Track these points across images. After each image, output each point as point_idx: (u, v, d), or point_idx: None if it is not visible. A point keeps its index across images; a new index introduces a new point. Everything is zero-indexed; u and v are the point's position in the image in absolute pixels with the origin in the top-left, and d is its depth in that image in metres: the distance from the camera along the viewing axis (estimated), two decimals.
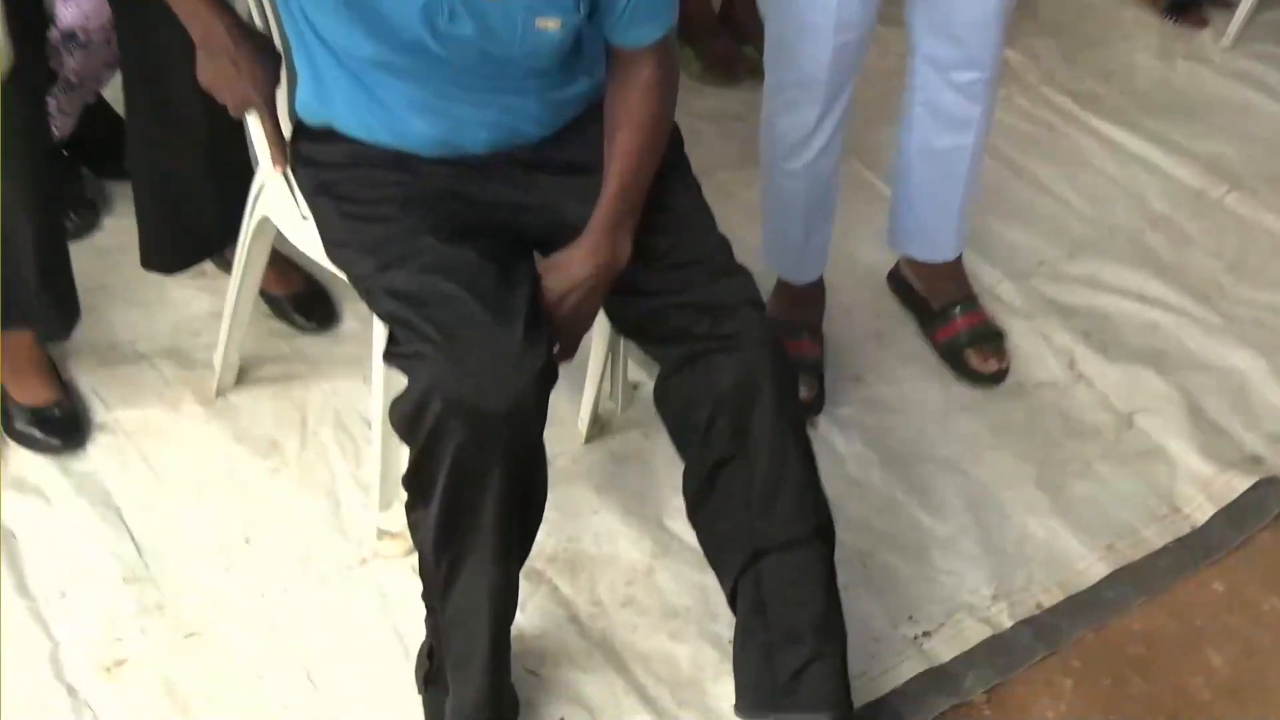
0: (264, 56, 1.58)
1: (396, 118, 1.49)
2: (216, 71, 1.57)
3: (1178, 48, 3.08)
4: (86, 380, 1.96)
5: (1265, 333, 2.26)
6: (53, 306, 1.89)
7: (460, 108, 1.50)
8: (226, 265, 2.00)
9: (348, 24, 1.40)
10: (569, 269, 1.49)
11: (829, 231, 2.09)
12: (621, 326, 1.66)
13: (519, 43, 1.43)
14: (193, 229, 2.03)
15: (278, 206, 1.69)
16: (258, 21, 1.63)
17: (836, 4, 1.78)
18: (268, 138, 1.62)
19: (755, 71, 2.56)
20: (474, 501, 1.38)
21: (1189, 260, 2.43)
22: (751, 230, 2.06)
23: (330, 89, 1.50)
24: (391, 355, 1.45)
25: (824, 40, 1.82)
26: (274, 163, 1.62)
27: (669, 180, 1.60)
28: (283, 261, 2.04)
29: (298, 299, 2.09)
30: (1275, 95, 2.92)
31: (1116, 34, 3.12)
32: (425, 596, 1.51)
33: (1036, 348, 2.19)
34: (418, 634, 1.58)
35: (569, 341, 1.51)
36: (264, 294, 2.04)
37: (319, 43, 1.46)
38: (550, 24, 1.43)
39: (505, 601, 1.47)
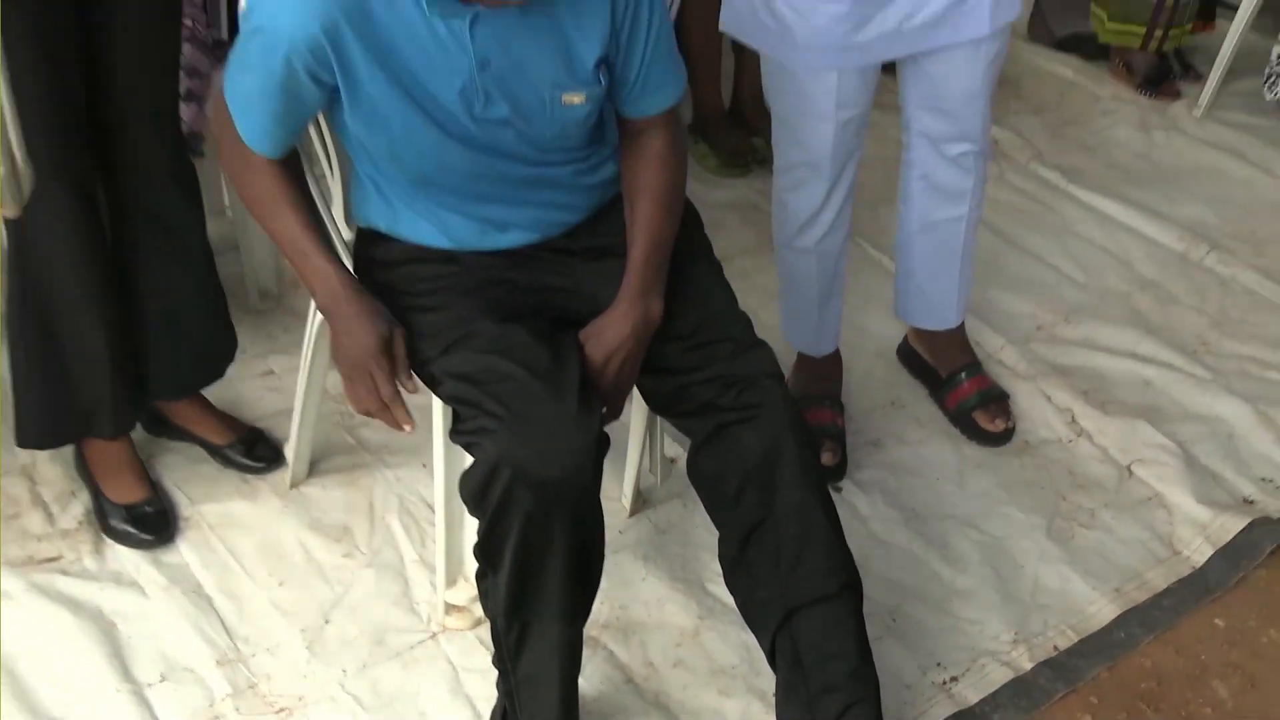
0: (377, 314, 1.50)
1: (447, 222, 1.54)
2: (365, 394, 1.50)
3: (1154, 120, 3.12)
4: (172, 477, 2.00)
5: (1250, 383, 2.29)
6: (127, 402, 1.90)
7: (503, 208, 1.55)
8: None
9: (400, 136, 1.44)
10: (608, 335, 1.51)
11: (840, 306, 2.12)
12: (653, 403, 1.69)
13: (549, 119, 1.47)
14: (210, 352, 2.03)
15: None
16: (317, 146, 1.69)
17: (836, 85, 1.81)
18: (388, 389, 1.51)
19: (764, 161, 2.66)
20: (541, 565, 1.42)
21: (1175, 319, 2.46)
22: (771, 309, 2.12)
23: (387, 199, 1.55)
24: (457, 433, 1.49)
25: (826, 120, 1.85)
26: (402, 422, 1.52)
27: (692, 263, 1.63)
28: (217, 414, 2.06)
29: (243, 444, 2.06)
30: (1246, 160, 2.96)
31: (1096, 110, 3.17)
32: (496, 660, 1.55)
33: (1039, 407, 2.22)
34: (488, 698, 1.64)
35: (615, 403, 1.54)
36: (205, 444, 2.04)
37: (372, 160, 1.52)
38: (576, 98, 1.47)
39: (573, 658, 1.51)
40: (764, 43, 1.85)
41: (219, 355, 2.03)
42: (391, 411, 1.50)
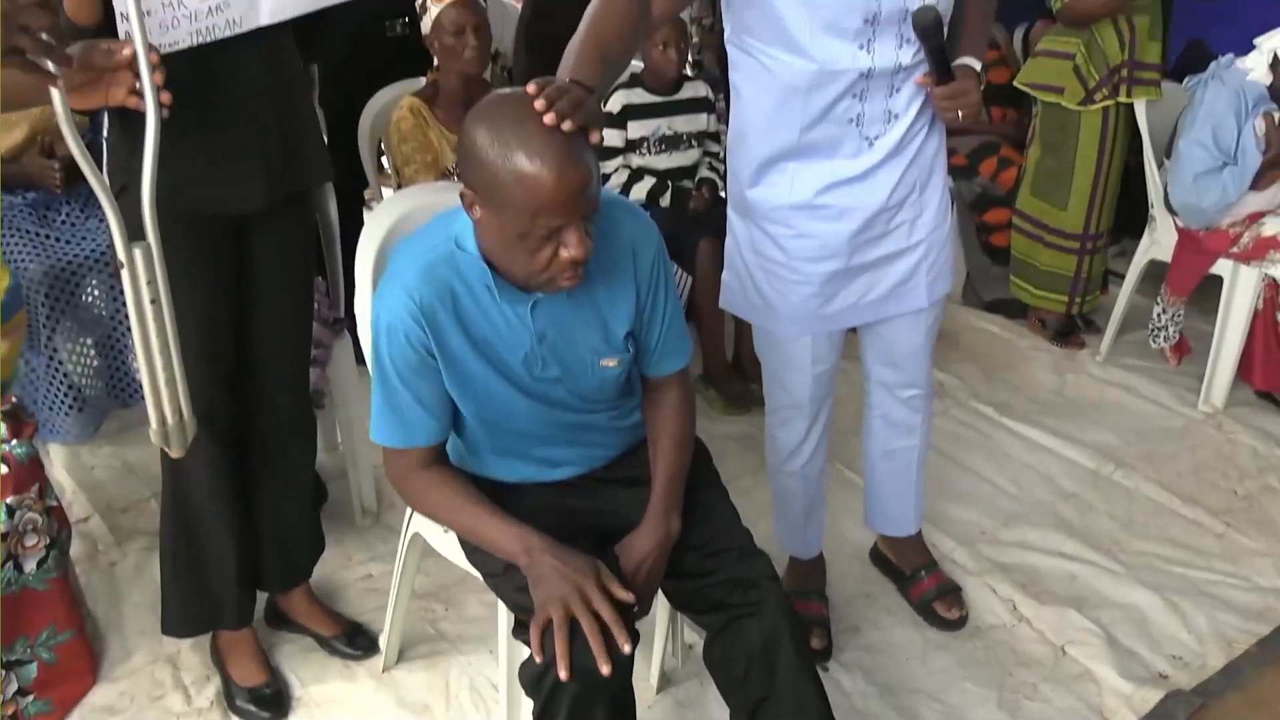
0: (572, 556, 1.44)
1: (513, 465, 1.60)
2: (562, 610, 1.40)
3: (1065, 364, 3.19)
4: (288, 664, 2.03)
5: (1156, 575, 2.30)
6: (248, 598, 1.94)
7: (556, 448, 1.60)
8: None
9: (482, 393, 1.49)
10: (638, 547, 1.53)
11: (822, 517, 2.13)
12: (674, 601, 1.68)
13: (590, 378, 1.52)
14: (306, 555, 2.07)
15: (425, 524, 1.77)
16: None
17: (811, 346, 1.87)
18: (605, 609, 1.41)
19: (760, 403, 2.60)
20: None
21: (1093, 523, 2.49)
22: (767, 520, 2.15)
23: (469, 445, 1.59)
24: (518, 633, 1.52)
25: (805, 373, 1.90)
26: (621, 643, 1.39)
27: (704, 489, 1.65)
28: (326, 609, 2.09)
29: (346, 635, 2.08)
30: (1138, 395, 3.02)
31: (1019, 357, 3.25)
32: None
33: (986, 598, 2.23)
34: None
35: (645, 602, 1.53)
36: (314, 635, 2.06)
37: (461, 417, 1.55)
38: (610, 363, 1.53)
39: None
40: (754, 316, 1.92)
41: (312, 557, 2.10)
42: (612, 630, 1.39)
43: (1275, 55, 2.81)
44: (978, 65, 1.73)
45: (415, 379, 1.47)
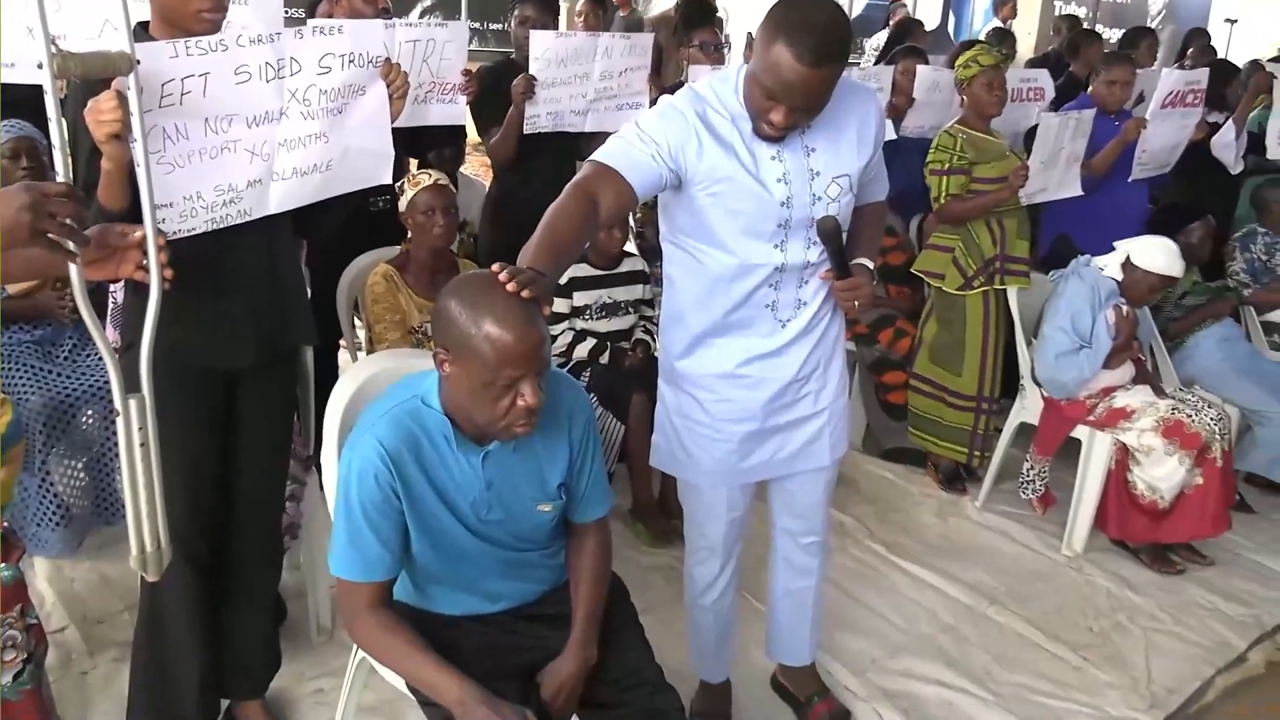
0: (507, 705, 1.49)
1: (454, 598, 1.65)
2: None
3: (949, 509, 3.34)
4: None
5: (1023, 705, 2.40)
6: (210, 713, 1.97)
7: (496, 582, 1.66)
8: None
9: (436, 530, 1.56)
10: (560, 673, 1.60)
11: (731, 647, 2.21)
12: None
13: (528, 520, 1.61)
14: (265, 669, 2.09)
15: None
16: None
17: (726, 495, 1.97)
18: None
19: (683, 538, 2.69)
20: None
21: (969, 655, 2.57)
22: (683, 647, 2.23)
23: (417, 581, 1.65)
24: None
25: (721, 520, 2.00)
26: None
27: (622, 629, 1.71)
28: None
29: None
30: (1011, 539, 3.17)
31: (910, 501, 3.38)
32: None
33: None
34: None
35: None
36: None
37: (415, 555, 1.59)
38: (545, 508, 1.63)
39: None
40: (679, 471, 2.02)
41: (270, 671, 2.15)
42: None
43: (1128, 257, 3.14)
44: (870, 265, 1.91)
45: (379, 518, 1.54)
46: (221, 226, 1.73)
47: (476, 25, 9.34)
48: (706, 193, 1.75)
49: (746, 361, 1.88)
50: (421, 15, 9.27)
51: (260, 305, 1.86)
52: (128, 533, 1.54)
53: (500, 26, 8.97)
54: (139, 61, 1.50)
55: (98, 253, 1.51)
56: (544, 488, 1.64)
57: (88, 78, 1.53)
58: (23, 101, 2.16)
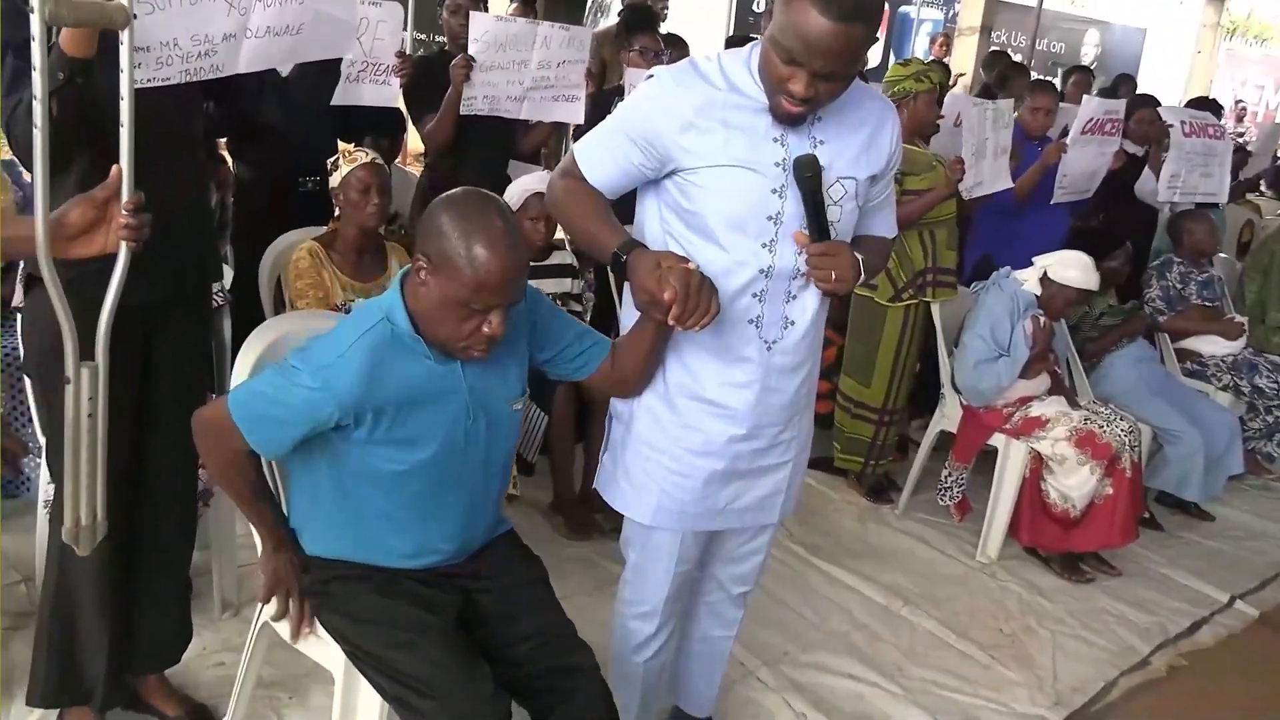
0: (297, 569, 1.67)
1: (409, 536, 1.63)
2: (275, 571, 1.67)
3: (869, 515, 3.44)
4: None
5: (931, 699, 2.49)
6: (116, 686, 1.93)
7: (440, 529, 1.64)
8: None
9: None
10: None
11: (653, 712, 2.09)
12: (507, 687, 1.62)
13: (506, 421, 1.65)
14: (176, 642, 2.08)
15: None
16: (270, 484, 1.76)
17: (679, 546, 1.82)
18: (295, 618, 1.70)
19: (604, 532, 2.85)
20: None
21: (880, 651, 2.65)
22: (599, 634, 2.05)
23: (337, 531, 1.64)
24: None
25: (667, 571, 1.83)
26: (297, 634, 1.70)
27: (538, 586, 1.74)
28: (176, 693, 2.09)
29: (190, 717, 2.08)
30: (928, 544, 3.28)
31: (831, 508, 3.47)
32: None
33: (783, 712, 2.35)
34: None
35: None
36: (161, 716, 2.05)
37: (341, 495, 1.60)
38: (517, 405, 1.67)
39: None
40: (622, 502, 1.83)
41: (182, 644, 2.13)
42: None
43: (1045, 272, 3.29)
44: (860, 255, 1.67)
45: (308, 430, 1.54)
46: (195, 80, 1.70)
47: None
48: (695, 176, 1.62)
49: (725, 387, 1.70)
50: None
51: (176, 238, 1.81)
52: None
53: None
54: (135, 15, 1.48)
55: (80, 226, 1.46)
56: (514, 384, 1.67)
57: (79, 26, 1.48)
58: None
